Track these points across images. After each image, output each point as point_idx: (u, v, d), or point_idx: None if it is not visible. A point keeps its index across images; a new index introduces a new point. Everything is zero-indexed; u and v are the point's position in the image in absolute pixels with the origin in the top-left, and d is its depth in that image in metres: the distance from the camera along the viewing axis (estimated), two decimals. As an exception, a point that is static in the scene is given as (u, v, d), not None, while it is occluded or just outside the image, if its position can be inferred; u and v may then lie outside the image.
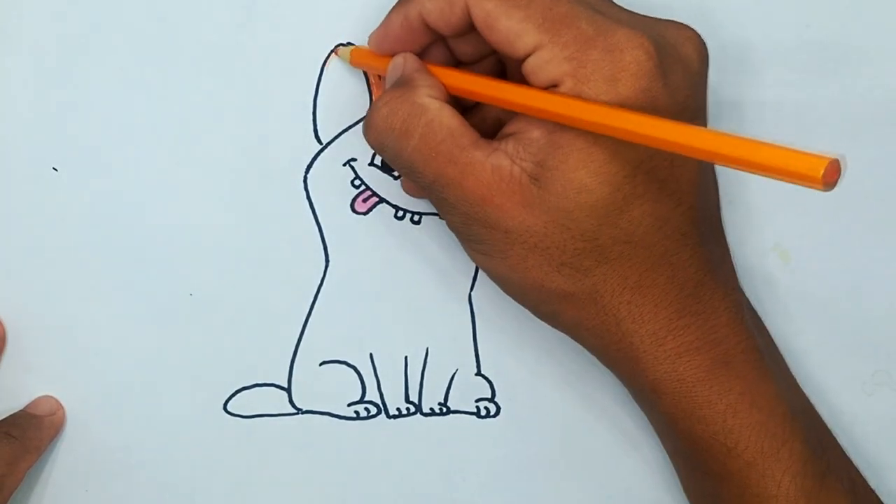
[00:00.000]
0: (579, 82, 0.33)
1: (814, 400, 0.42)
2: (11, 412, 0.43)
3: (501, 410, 0.44)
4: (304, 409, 0.44)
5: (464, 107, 0.38)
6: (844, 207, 0.43)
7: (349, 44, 0.41)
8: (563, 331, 0.39)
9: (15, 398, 0.43)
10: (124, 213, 0.42)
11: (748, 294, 0.42)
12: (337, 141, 0.42)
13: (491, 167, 0.35)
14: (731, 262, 0.40)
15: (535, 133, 0.35)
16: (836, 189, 0.43)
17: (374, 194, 0.42)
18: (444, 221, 0.42)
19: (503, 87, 0.35)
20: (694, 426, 0.38)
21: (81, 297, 0.42)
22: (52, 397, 0.43)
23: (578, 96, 0.33)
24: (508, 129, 0.36)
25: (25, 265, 0.42)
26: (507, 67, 0.39)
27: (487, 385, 0.44)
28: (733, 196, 0.40)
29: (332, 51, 0.41)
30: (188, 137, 0.41)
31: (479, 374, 0.44)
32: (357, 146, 0.42)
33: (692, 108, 0.36)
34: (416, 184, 0.38)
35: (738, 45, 0.41)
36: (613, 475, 0.45)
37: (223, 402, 0.43)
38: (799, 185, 0.28)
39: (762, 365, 0.38)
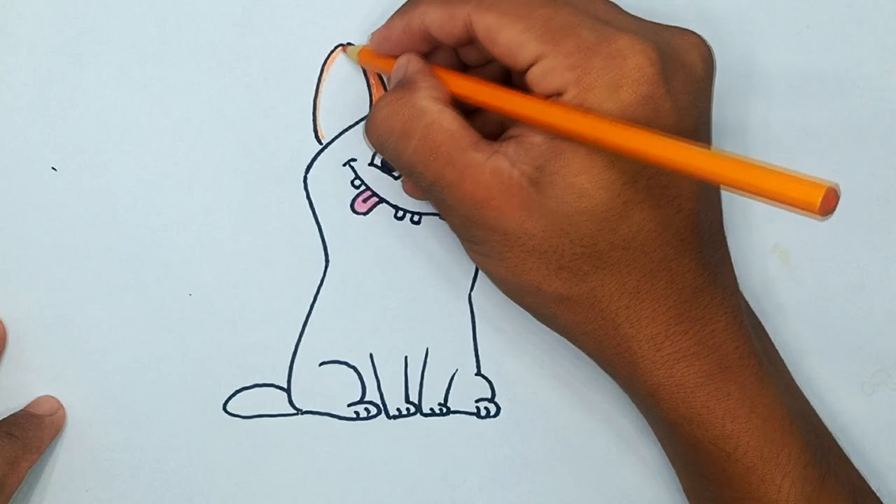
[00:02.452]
0: (582, 90, 0.33)
1: (813, 401, 0.42)
2: (12, 412, 0.43)
3: (501, 411, 0.44)
4: (304, 410, 0.44)
5: (468, 108, 0.38)
6: (844, 208, 0.42)
7: (349, 44, 0.41)
8: (561, 334, 0.39)
9: (15, 398, 0.43)
10: (124, 213, 0.42)
11: (747, 295, 0.42)
12: (337, 141, 0.42)
13: (490, 169, 0.35)
14: (730, 265, 0.40)
15: (537, 138, 0.35)
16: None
17: (374, 194, 0.42)
18: (444, 222, 0.42)
19: (505, 97, 0.35)
20: (693, 431, 0.38)
21: (81, 297, 0.42)
22: (52, 397, 0.43)
23: (581, 105, 0.33)
24: (510, 132, 0.36)
25: (25, 265, 0.42)
26: (511, 72, 0.39)
27: (487, 385, 0.44)
28: (733, 196, 0.39)
29: (332, 51, 0.41)
30: (188, 137, 0.41)
31: (479, 374, 0.44)
32: (357, 146, 0.42)
33: (695, 116, 0.35)
34: (416, 185, 0.38)
35: (742, 50, 0.41)
36: (613, 475, 0.45)
37: (223, 402, 0.43)
38: (796, 212, 0.27)
39: (761, 369, 0.38)
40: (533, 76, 0.34)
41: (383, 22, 0.40)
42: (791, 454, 0.38)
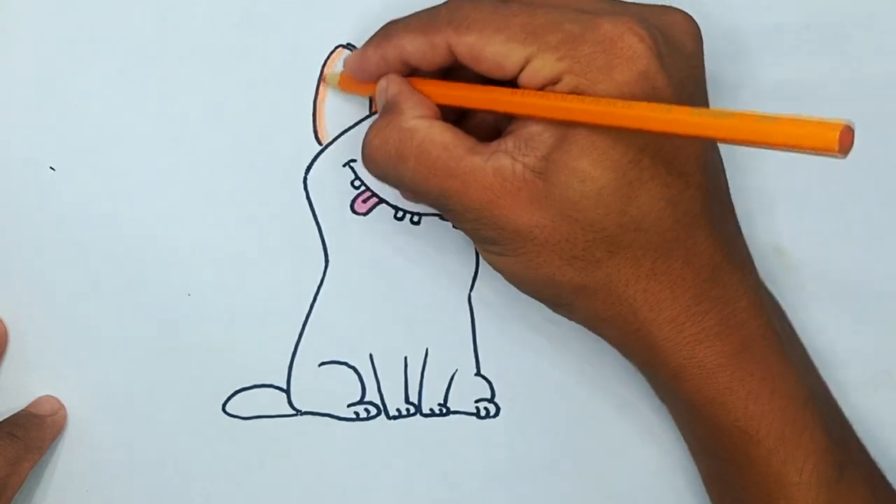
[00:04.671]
0: (577, 76, 0.33)
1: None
2: (13, 412, 0.43)
3: (501, 411, 0.44)
4: (304, 411, 0.44)
5: (458, 115, 0.38)
6: (844, 207, 0.42)
7: (349, 44, 0.41)
8: (581, 323, 0.39)
9: (16, 398, 0.43)
10: (123, 213, 0.42)
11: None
12: (337, 142, 0.42)
13: (492, 170, 0.35)
14: (744, 242, 0.39)
15: (535, 128, 0.35)
16: (836, 188, 0.43)
17: (374, 195, 0.42)
18: (444, 222, 0.42)
19: (498, 95, 0.35)
20: (715, 413, 0.37)
21: (81, 297, 0.42)
22: (53, 397, 0.43)
23: (579, 89, 0.33)
24: (507, 128, 0.36)
25: (25, 265, 0.42)
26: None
27: (487, 385, 0.44)
28: (733, 197, 0.39)
29: (332, 51, 0.41)
30: (188, 137, 0.41)
31: (478, 374, 0.44)
32: (357, 147, 0.41)
33: (690, 90, 0.35)
34: (424, 203, 0.38)
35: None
36: (613, 475, 0.45)
37: (222, 402, 0.43)
38: (814, 154, 0.27)
39: (782, 349, 0.38)
40: (524, 78, 0.34)
41: (382, 22, 0.40)
42: (813, 436, 0.37)
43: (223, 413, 0.43)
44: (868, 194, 0.42)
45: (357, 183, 0.42)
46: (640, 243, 0.35)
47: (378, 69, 0.38)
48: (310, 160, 0.42)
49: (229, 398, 0.43)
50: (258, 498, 0.44)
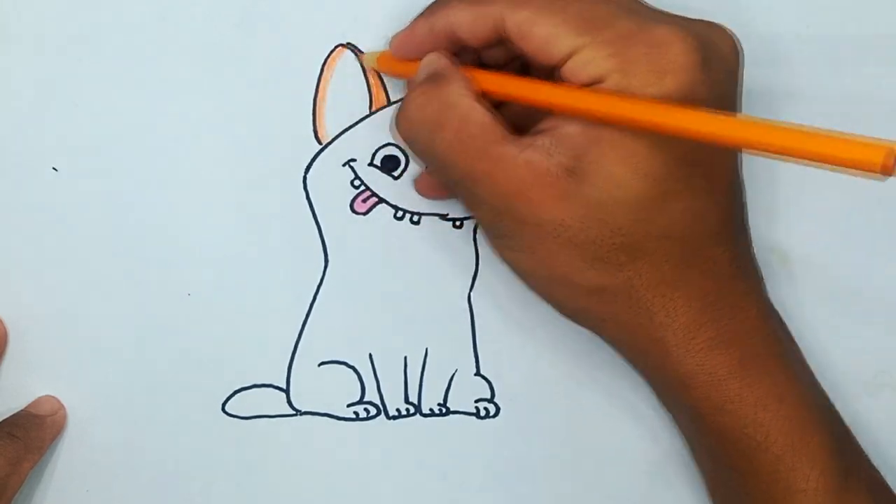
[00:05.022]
0: (625, 76, 0.33)
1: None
2: (13, 412, 0.43)
3: (501, 411, 0.44)
4: (303, 410, 0.44)
5: (493, 105, 0.38)
6: (844, 209, 0.42)
7: (349, 44, 0.41)
8: (587, 326, 0.39)
9: (16, 398, 0.43)
10: (124, 213, 0.42)
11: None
12: (337, 141, 0.42)
13: (525, 162, 0.35)
14: (755, 257, 0.40)
15: (572, 128, 0.35)
16: (836, 188, 0.43)
17: (374, 194, 0.42)
18: (444, 222, 0.42)
19: (540, 87, 0.35)
20: (723, 420, 0.38)
21: (81, 296, 0.42)
22: (53, 397, 0.43)
23: (625, 90, 0.33)
24: (541, 125, 0.36)
25: (26, 265, 0.42)
26: (536, 70, 0.38)
27: (487, 385, 0.44)
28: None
29: (332, 51, 0.41)
30: (188, 137, 0.41)
31: (478, 374, 0.44)
32: (357, 146, 0.42)
33: (727, 105, 0.36)
34: (443, 179, 0.38)
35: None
36: (613, 475, 0.45)
37: (222, 402, 0.43)
38: (856, 175, 0.28)
39: (788, 360, 0.39)
40: (570, 69, 0.34)
41: (382, 21, 0.40)
42: (819, 444, 0.38)
43: (223, 413, 0.43)
44: (868, 195, 0.42)
45: (357, 182, 0.42)
46: (663, 251, 0.36)
47: (424, 41, 0.38)
48: (309, 160, 0.42)
49: (229, 398, 0.43)
50: (258, 498, 0.44)
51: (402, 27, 0.39)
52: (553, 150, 0.35)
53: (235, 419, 0.43)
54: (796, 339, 0.42)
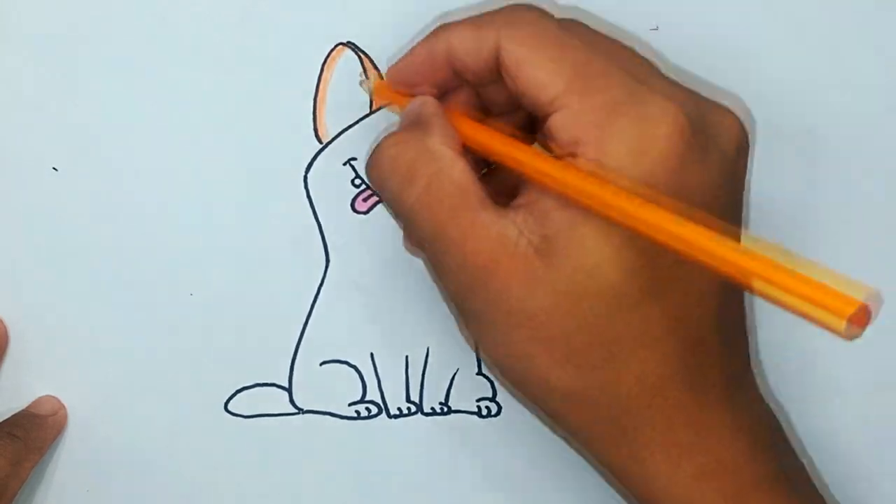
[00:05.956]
0: (601, 150, 0.31)
1: (814, 404, 0.42)
2: (14, 412, 0.43)
3: (503, 410, 0.44)
4: (305, 409, 0.44)
5: (486, 165, 0.36)
6: (844, 210, 0.42)
7: (349, 43, 0.41)
8: (568, 437, 0.36)
9: (17, 398, 0.43)
10: (124, 213, 0.42)
11: (747, 297, 0.42)
12: (337, 140, 0.42)
13: (496, 234, 0.32)
14: (752, 371, 0.37)
15: (548, 205, 0.32)
16: (836, 188, 0.43)
17: (375, 193, 0.42)
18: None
19: (516, 151, 0.33)
20: None
21: (82, 296, 0.42)
22: (53, 397, 0.43)
23: (600, 167, 0.31)
24: (521, 198, 0.33)
25: (26, 265, 0.42)
26: (536, 127, 0.35)
27: (488, 384, 0.44)
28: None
29: (332, 50, 0.41)
30: (188, 137, 0.41)
31: (480, 373, 0.44)
32: (357, 145, 0.42)
33: (721, 196, 0.33)
34: (411, 236, 0.35)
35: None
36: (614, 474, 0.45)
37: (224, 401, 0.43)
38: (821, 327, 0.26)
39: (784, 494, 0.35)
40: (553, 124, 0.32)
41: (383, 22, 0.40)
42: None
43: (225, 412, 0.43)
44: (868, 196, 0.42)
45: (358, 181, 0.42)
46: (640, 357, 0.32)
47: (423, 66, 0.36)
48: (310, 159, 0.42)
49: (231, 397, 0.43)
50: (260, 496, 0.44)
51: (402, 45, 0.39)
52: (525, 227, 0.32)
53: (238, 418, 0.43)
54: (796, 341, 0.41)
